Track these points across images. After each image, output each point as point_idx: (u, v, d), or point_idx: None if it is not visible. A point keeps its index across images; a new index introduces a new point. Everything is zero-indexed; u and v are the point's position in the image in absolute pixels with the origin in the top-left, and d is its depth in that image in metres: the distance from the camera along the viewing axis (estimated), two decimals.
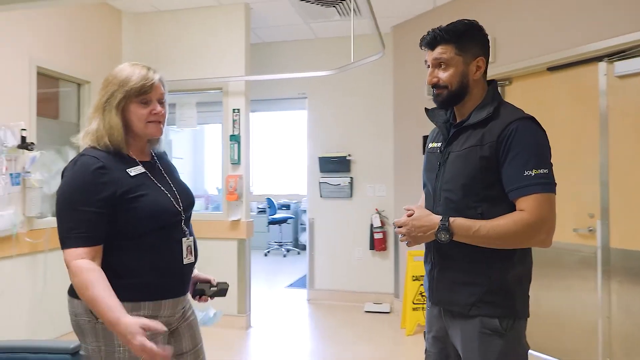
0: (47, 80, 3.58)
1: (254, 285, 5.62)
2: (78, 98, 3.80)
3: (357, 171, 4.91)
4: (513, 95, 3.49)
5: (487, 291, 1.37)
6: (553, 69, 3.19)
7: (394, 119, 4.71)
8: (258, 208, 8.53)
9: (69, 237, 1.36)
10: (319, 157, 4.94)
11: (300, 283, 5.78)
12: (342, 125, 4.95)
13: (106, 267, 1.40)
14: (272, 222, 7.96)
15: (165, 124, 1.56)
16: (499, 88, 3.60)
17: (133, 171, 1.46)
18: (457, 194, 1.40)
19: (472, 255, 1.38)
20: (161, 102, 1.52)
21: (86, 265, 1.33)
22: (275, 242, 8.23)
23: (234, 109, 4.06)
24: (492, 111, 1.40)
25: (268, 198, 8.10)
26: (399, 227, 1.45)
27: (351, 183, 4.90)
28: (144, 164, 1.52)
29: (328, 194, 4.95)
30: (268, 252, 8.04)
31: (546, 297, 3.21)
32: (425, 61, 1.48)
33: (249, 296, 4.19)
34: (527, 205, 1.31)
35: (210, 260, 4.03)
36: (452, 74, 1.42)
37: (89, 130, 1.46)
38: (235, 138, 4.04)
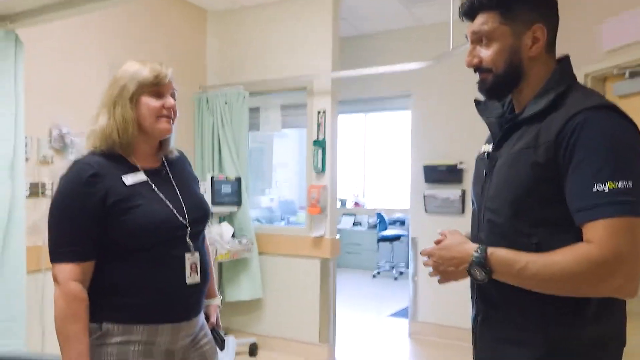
0: None
1: (354, 311, 5.65)
2: None
3: (470, 182, 4.48)
4: None
5: (545, 355, 1.12)
6: None
7: None
8: (368, 223, 8.43)
9: (59, 252, 1.40)
10: (424, 166, 4.66)
11: (404, 313, 5.48)
12: (452, 127, 4.58)
13: (98, 283, 1.42)
14: (383, 240, 7.76)
15: (176, 120, 1.58)
16: None
17: (130, 179, 1.47)
18: (503, 215, 1.18)
19: (522, 301, 1.14)
20: (173, 97, 1.55)
21: (80, 295, 1.38)
22: (387, 262, 7.99)
23: (318, 111, 3.99)
24: (554, 99, 1.15)
25: (378, 212, 7.92)
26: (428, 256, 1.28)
27: (462, 196, 4.51)
28: (148, 171, 1.53)
29: (434, 209, 4.63)
30: (377, 273, 7.86)
31: None
32: (466, 36, 1.27)
33: (333, 323, 4.06)
34: (595, 235, 1.03)
35: (291, 280, 4.04)
36: (497, 51, 1.20)
37: (94, 128, 1.50)
38: (319, 143, 3.97)
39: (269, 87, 4.18)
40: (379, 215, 7.88)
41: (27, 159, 3.00)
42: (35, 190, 3.10)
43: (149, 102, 1.48)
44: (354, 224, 8.52)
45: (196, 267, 1.50)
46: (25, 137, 2.95)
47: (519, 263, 1.10)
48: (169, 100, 1.52)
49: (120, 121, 1.46)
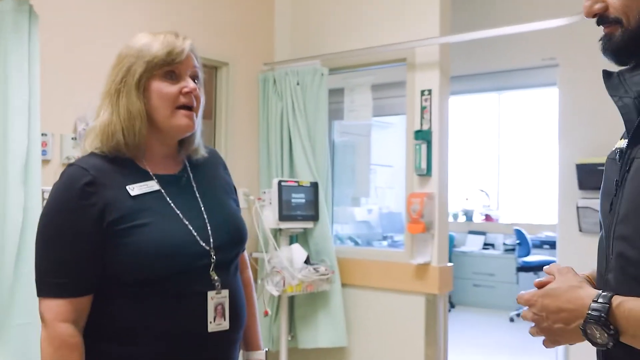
0: None
1: None
2: (214, 85, 4.11)
3: None
4: None
5: None
6: None
7: None
8: (504, 245, 8.30)
9: (45, 283, 1.42)
10: (577, 165, 4.48)
11: None
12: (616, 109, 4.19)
13: (94, 324, 1.45)
14: (524, 268, 7.56)
15: (201, 110, 1.55)
16: None
17: (137, 189, 1.47)
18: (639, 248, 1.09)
19: None
20: (194, 79, 1.53)
21: (70, 340, 1.39)
22: None
23: (422, 91, 3.82)
24: None
25: (517, 229, 7.76)
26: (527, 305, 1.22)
27: None
28: (163, 177, 1.53)
29: (592, 228, 4.36)
30: (516, 315, 7.61)
31: None
32: None
33: None
34: None
35: (386, 323, 3.94)
36: None
37: (95, 125, 1.50)
38: (423, 135, 3.77)
39: (355, 61, 4.11)
40: (519, 234, 7.76)
41: (48, 161, 3.11)
42: None
43: (161, 89, 1.47)
44: (484, 245, 8.40)
45: (223, 310, 1.49)
46: (45, 134, 3.04)
47: None
48: (188, 83, 1.48)
49: (125, 117, 1.46)
